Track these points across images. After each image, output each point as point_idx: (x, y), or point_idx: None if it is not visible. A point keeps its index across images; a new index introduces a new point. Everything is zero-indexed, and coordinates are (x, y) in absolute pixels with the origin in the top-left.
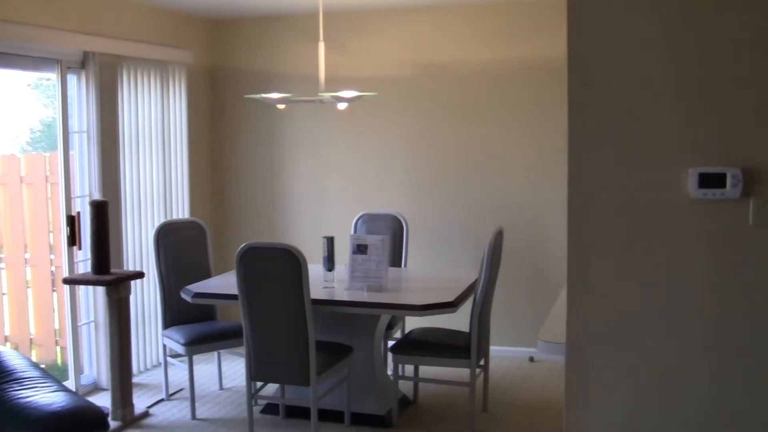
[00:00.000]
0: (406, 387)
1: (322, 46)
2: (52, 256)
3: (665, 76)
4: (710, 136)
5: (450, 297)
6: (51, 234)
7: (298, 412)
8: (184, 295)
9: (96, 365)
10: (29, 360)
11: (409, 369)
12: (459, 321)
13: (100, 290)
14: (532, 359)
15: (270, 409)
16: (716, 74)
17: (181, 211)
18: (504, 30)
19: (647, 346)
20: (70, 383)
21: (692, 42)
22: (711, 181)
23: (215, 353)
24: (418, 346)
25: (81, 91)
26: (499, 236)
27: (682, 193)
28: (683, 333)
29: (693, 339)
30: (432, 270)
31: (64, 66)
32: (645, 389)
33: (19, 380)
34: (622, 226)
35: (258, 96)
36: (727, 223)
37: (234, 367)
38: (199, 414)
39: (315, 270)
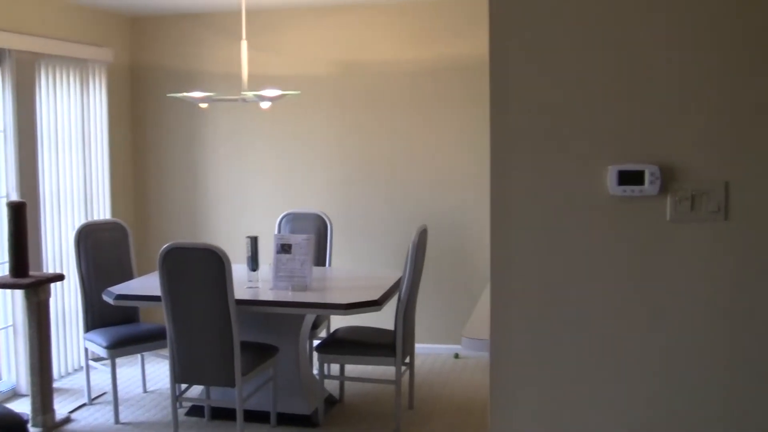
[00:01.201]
0: (332, 386)
1: (244, 44)
2: None
3: (585, 76)
4: (629, 133)
5: (375, 295)
6: None
7: (223, 414)
8: (105, 297)
9: (15, 371)
10: None
11: (334, 368)
12: (384, 319)
13: (19, 294)
14: (457, 356)
15: (195, 411)
16: (634, 73)
17: (102, 211)
18: (426, 29)
19: (569, 343)
20: None
21: (611, 42)
22: (630, 178)
23: (138, 356)
24: (343, 344)
25: None
26: (423, 234)
27: (602, 190)
28: (604, 329)
29: (613, 335)
30: (357, 269)
31: None
32: (568, 385)
33: None
34: (543, 223)
35: (180, 95)
36: (646, 220)
37: (158, 370)
38: (122, 418)
39: (239, 270)
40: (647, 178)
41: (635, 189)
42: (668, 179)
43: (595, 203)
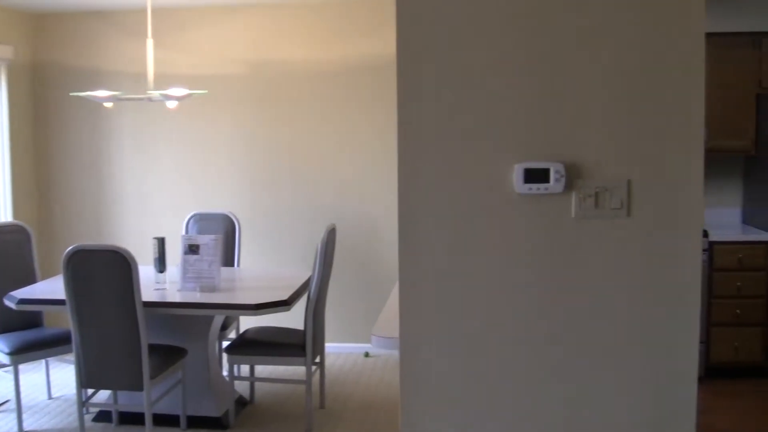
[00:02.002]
0: (242, 387)
1: (150, 42)
2: None
3: (492, 74)
4: (534, 132)
5: (284, 295)
6: None
7: (132, 419)
8: (7, 302)
9: None
10: None
11: (244, 369)
12: (294, 319)
13: None
14: (367, 355)
15: (102, 416)
16: (540, 73)
17: (3, 213)
18: (334, 29)
19: (478, 339)
20: None
21: (517, 41)
22: (535, 176)
23: (43, 361)
24: (253, 345)
25: None
26: (331, 233)
27: (508, 188)
28: (512, 325)
29: (520, 330)
30: (265, 269)
31: None
32: (477, 381)
33: None
34: (451, 221)
35: (84, 94)
36: (551, 217)
37: (63, 375)
38: (26, 426)
39: (146, 272)
40: (552, 176)
41: (541, 187)
42: (573, 177)
43: (502, 201)
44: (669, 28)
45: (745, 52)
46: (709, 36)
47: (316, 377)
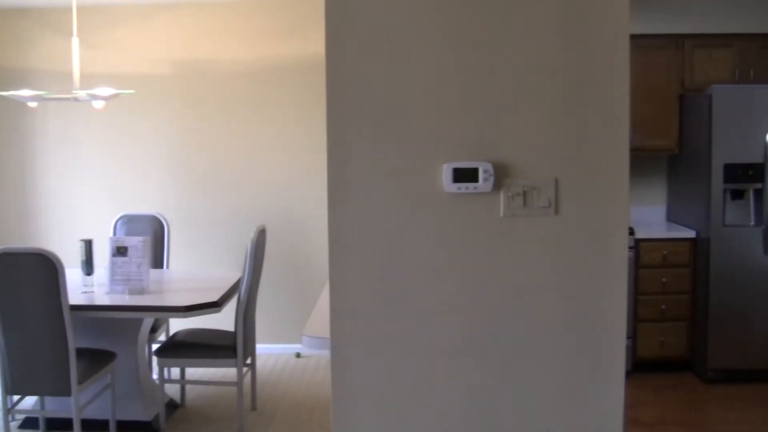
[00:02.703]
0: (172, 390)
1: (76, 41)
2: None
3: (420, 75)
4: (463, 132)
5: (214, 297)
6: None
7: (60, 425)
8: None
9: None
10: None
11: (175, 372)
12: (224, 320)
13: None
14: (298, 355)
15: (29, 423)
16: (468, 72)
17: None
18: (265, 28)
19: (409, 338)
20: None
21: (445, 43)
22: (464, 175)
23: None
24: (183, 347)
25: None
26: (261, 234)
27: (438, 188)
28: (443, 324)
29: (451, 329)
30: (195, 270)
31: None
32: (409, 381)
33: None
34: (380, 221)
35: (7, 93)
36: (480, 216)
37: None
38: None
39: (73, 275)
40: (481, 175)
41: (470, 186)
42: (501, 176)
43: (431, 201)
44: (594, 30)
45: (668, 53)
46: (634, 37)
47: (248, 379)
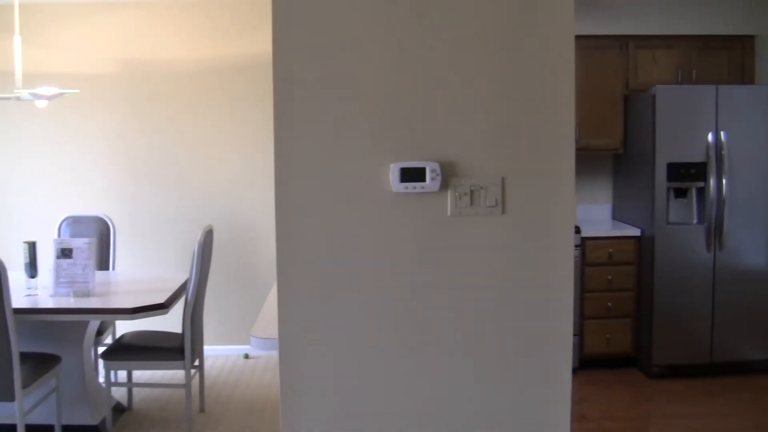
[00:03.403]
0: (120, 393)
1: (18, 39)
2: None
3: (367, 75)
4: (410, 131)
5: (161, 298)
6: None
7: (4, 430)
8: None
9: None
10: None
11: (122, 375)
12: (171, 322)
13: None
14: (246, 356)
15: None
16: (415, 72)
17: None
18: (213, 27)
19: (356, 338)
20: None
21: (391, 41)
22: (411, 175)
23: None
24: (129, 350)
25: None
26: (208, 235)
27: (385, 187)
28: (390, 324)
29: (399, 329)
30: (142, 272)
31: None
32: (357, 381)
33: None
34: (328, 221)
35: None
36: (428, 215)
37: None
38: None
39: (16, 277)
40: (428, 174)
41: (417, 186)
42: (448, 176)
43: (379, 200)
44: (539, 31)
45: (612, 54)
46: (579, 38)
47: (196, 381)
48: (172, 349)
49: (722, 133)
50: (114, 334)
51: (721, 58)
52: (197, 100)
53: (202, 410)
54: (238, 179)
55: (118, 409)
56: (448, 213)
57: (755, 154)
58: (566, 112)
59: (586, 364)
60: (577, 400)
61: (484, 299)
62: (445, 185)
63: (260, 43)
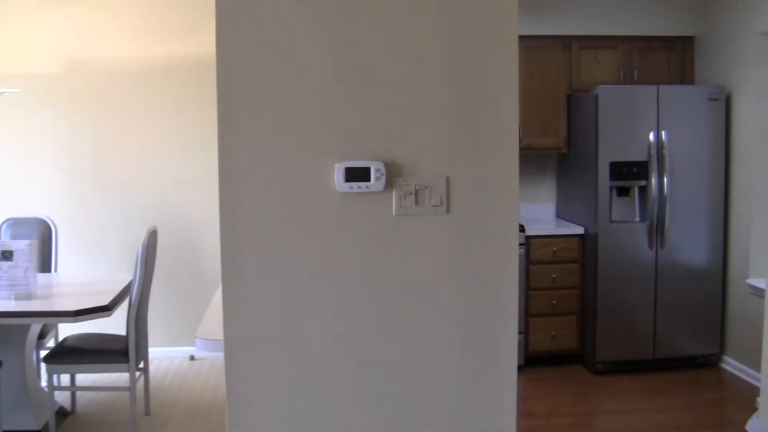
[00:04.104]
0: (63, 397)
1: None
2: None
3: (313, 75)
4: (355, 131)
5: (104, 300)
6: None
7: None
8: None
9: None
10: None
11: (65, 378)
12: (115, 325)
13: None
14: (192, 358)
15: None
16: (360, 72)
17: None
18: (156, 26)
19: (301, 339)
20: None
21: (336, 41)
22: (356, 175)
23: None
24: (73, 353)
25: None
26: (152, 235)
27: (330, 187)
28: (335, 324)
29: (344, 329)
30: (85, 274)
31: None
32: (302, 382)
33: None
34: (273, 221)
35: None
36: (373, 215)
37: None
38: None
39: None
40: (373, 174)
41: (362, 185)
42: (393, 175)
43: (324, 200)
44: (484, 30)
45: (556, 54)
46: (523, 38)
47: (140, 383)
48: (116, 351)
49: (663, 133)
50: (56, 337)
51: (662, 59)
52: (141, 100)
53: (147, 413)
54: (182, 180)
55: (61, 414)
56: (393, 212)
57: (695, 153)
58: (510, 111)
59: (531, 361)
60: (523, 398)
61: (429, 298)
62: (390, 185)
63: (206, 43)
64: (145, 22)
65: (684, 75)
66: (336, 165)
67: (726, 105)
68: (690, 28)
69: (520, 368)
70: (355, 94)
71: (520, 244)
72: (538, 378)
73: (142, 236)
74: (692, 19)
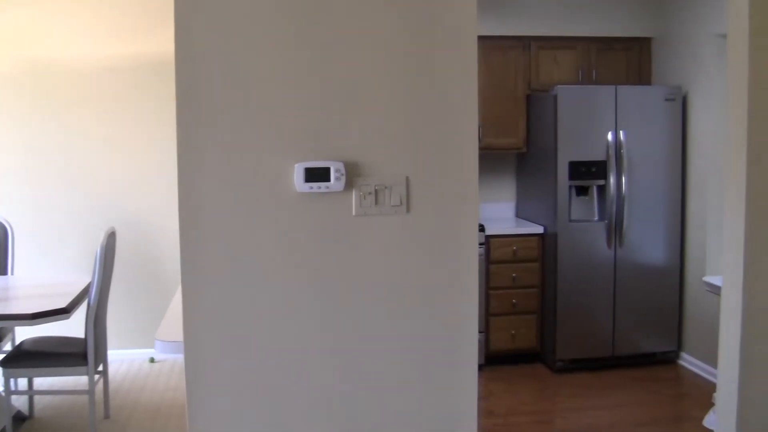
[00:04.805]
0: (20, 402)
1: None
2: None
3: (273, 75)
4: (315, 132)
5: (62, 303)
6: None
7: None
8: None
9: None
10: None
11: (22, 382)
12: (74, 327)
13: None
14: (152, 360)
15: None
16: (319, 73)
17: None
18: (113, 25)
19: (262, 340)
20: None
21: (294, 44)
22: (316, 175)
23: None
24: (30, 357)
25: None
26: (111, 237)
27: (290, 187)
28: (295, 324)
29: (304, 329)
30: (42, 276)
31: None
32: (262, 383)
33: None
34: (232, 222)
35: None
36: (333, 215)
37: None
38: None
39: None
40: (333, 174)
41: (321, 186)
42: (353, 176)
43: (283, 201)
44: (443, 31)
45: (515, 54)
46: (482, 39)
47: (100, 386)
48: (75, 354)
49: (621, 132)
50: (13, 340)
51: (620, 60)
52: (101, 100)
53: (106, 416)
54: (142, 180)
55: (19, 418)
56: (353, 213)
57: (652, 152)
58: (469, 111)
59: (492, 360)
60: (484, 396)
61: (389, 298)
62: (349, 185)
63: (166, 41)
64: (103, 20)
65: (641, 75)
66: (296, 165)
67: (683, 105)
68: (647, 30)
69: (480, 367)
70: (315, 95)
71: (480, 244)
72: (498, 377)
73: (100, 238)
74: (650, 21)
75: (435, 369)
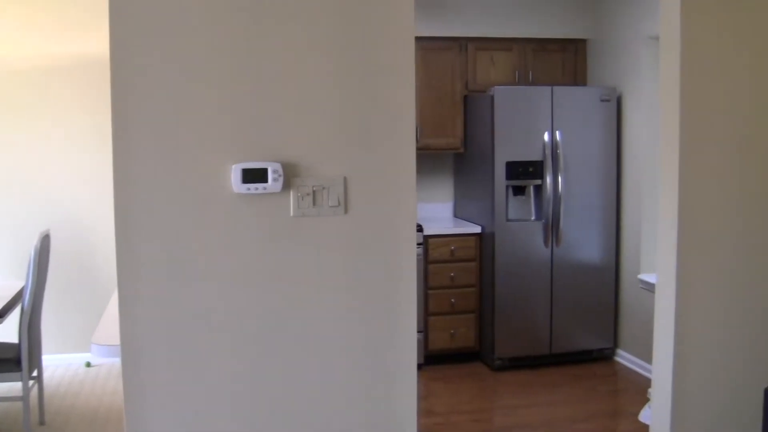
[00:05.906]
0: None
1: None
2: None
3: (209, 76)
4: (252, 132)
5: None
6: None
7: None
8: None
9: None
10: None
11: None
12: (7, 332)
13: None
14: (88, 364)
15: None
16: (255, 75)
17: None
18: (49, 23)
19: (199, 343)
20: None
21: (234, 44)
22: (253, 176)
23: None
24: None
25: None
26: (45, 240)
27: (227, 189)
28: (232, 326)
29: (241, 331)
30: None
31: None
32: (200, 386)
33: None
34: (169, 224)
35: None
36: (270, 216)
37: None
38: None
39: None
40: (270, 175)
41: (259, 186)
42: (291, 176)
43: (220, 202)
44: (380, 31)
45: (452, 55)
46: (419, 39)
47: (34, 392)
48: (8, 360)
49: (557, 133)
50: None
51: (556, 61)
52: (34, 99)
53: (42, 422)
54: (77, 181)
55: None
56: (291, 213)
57: (588, 152)
58: (407, 112)
59: (431, 359)
60: (424, 396)
61: (328, 298)
62: (287, 186)
63: (102, 41)
64: (38, 18)
65: (577, 76)
66: (233, 166)
67: (617, 106)
68: (582, 31)
69: (419, 367)
70: (251, 96)
71: (418, 244)
72: (438, 376)
73: (34, 240)
74: (584, 22)
75: (374, 369)
